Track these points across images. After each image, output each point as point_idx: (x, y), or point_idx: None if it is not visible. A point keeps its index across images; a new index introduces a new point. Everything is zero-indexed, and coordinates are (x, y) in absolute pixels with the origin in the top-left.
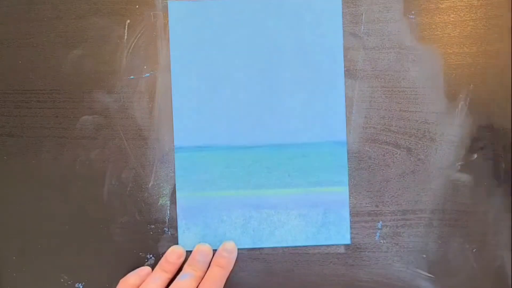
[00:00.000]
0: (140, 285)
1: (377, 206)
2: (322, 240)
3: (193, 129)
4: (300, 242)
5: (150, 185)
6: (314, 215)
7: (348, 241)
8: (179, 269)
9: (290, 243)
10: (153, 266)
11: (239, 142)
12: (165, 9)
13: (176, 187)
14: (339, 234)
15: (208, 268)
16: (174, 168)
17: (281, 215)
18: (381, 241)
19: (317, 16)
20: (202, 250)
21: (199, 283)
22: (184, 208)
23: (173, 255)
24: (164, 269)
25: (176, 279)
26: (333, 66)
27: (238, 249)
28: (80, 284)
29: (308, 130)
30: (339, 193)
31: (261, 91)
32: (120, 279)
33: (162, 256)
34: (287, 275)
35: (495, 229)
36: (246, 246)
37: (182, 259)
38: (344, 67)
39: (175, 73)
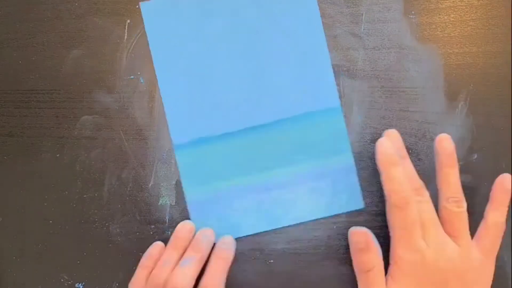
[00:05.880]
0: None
1: (377, 206)
2: (336, 209)
3: (188, 124)
4: (315, 215)
5: (150, 185)
6: (323, 187)
7: (361, 206)
8: None
9: (307, 218)
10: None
11: (234, 128)
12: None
13: (183, 185)
14: (351, 201)
15: (210, 250)
16: (175, 167)
17: (292, 192)
18: (382, 241)
19: None
20: (204, 232)
21: (203, 274)
22: (195, 204)
23: (183, 230)
24: (175, 246)
25: (177, 266)
26: (313, 34)
27: (257, 234)
28: (80, 284)
29: (299, 102)
30: (344, 160)
31: (247, 73)
32: (120, 279)
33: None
34: (287, 275)
35: None
36: (263, 229)
37: (193, 233)
38: (344, 67)
39: (160, 73)
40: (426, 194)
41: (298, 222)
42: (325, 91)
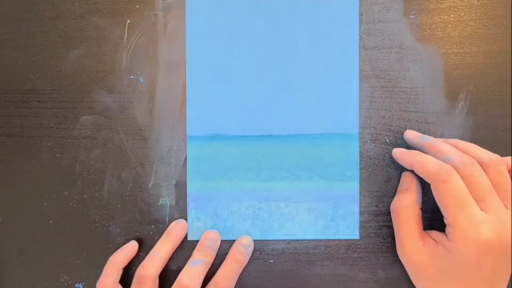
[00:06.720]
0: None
1: (377, 206)
2: (331, 234)
3: (205, 118)
4: (309, 236)
5: (150, 185)
6: (323, 209)
7: (357, 236)
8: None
9: (299, 236)
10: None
11: (251, 132)
12: (165, 9)
13: (187, 176)
14: (348, 229)
15: (216, 254)
16: (175, 167)
17: (291, 208)
18: (382, 241)
19: (334, 10)
20: (211, 237)
21: (213, 275)
22: (194, 198)
23: (176, 227)
24: (167, 240)
25: (187, 265)
26: (347, 59)
27: None
28: (80, 284)
29: (320, 121)
30: (350, 188)
31: (275, 82)
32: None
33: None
34: (287, 275)
35: None
36: (255, 238)
37: (185, 230)
38: None
39: (190, 63)
40: (473, 160)
41: (290, 238)
42: (347, 116)
